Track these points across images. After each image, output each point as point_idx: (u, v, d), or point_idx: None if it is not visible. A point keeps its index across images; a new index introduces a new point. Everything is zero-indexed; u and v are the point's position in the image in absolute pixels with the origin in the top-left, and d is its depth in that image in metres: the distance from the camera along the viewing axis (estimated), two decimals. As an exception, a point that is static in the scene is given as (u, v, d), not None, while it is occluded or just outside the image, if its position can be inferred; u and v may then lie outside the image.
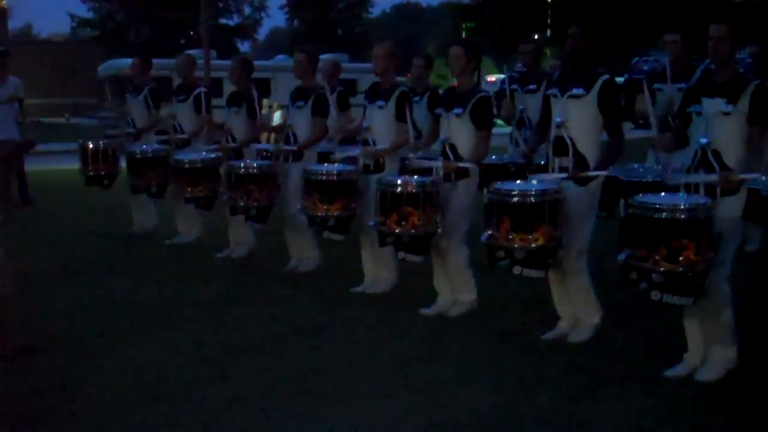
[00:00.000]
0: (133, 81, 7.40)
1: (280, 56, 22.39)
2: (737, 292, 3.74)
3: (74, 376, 3.83)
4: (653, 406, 3.39)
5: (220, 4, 37.57)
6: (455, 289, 4.78)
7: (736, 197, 3.61)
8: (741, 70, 3.83)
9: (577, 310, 4.27)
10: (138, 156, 6.67)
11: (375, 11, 46.16)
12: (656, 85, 5.01)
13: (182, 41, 33.69)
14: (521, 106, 5.62)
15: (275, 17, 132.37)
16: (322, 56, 13.11)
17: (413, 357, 4.03)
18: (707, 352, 3.71)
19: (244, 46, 40.43)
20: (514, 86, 5.64)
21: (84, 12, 36.79)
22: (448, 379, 3.76)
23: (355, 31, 41.78)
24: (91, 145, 7.09)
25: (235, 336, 4.41)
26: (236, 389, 3.65)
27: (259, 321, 4.69)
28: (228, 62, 6.98)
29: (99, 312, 4.90)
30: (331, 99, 6.03)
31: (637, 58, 6.34)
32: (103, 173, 7.10)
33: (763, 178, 3.73)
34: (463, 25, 31.12)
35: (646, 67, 5.69)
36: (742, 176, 3.54)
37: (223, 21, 38.01)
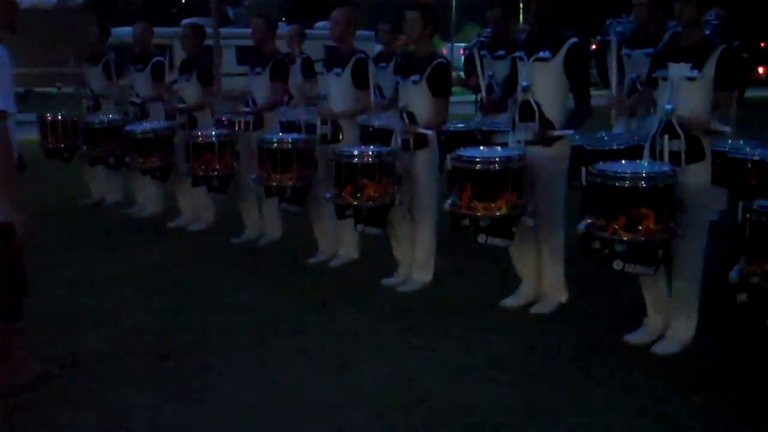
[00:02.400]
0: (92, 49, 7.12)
1: (280, 24, 21.79)
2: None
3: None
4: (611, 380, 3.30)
5: None
6: (415, 264, 4.62)
7: (701, 164, 3.47)
8: (707, 34, 3.66)
9: (545, 282, 4.15)
10: (95, 126, 6.42)
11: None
12: (624, 50, 4.85)
13: (174, 10, 33.23)
14: (490, 72, 5.42)
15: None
16: (318, 24, 12.54)
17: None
18: (668, 323, 3.62)
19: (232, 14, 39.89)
20: (483, 52, 5.43)
21: None
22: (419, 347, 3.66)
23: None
24: (49, 117, 6.83)
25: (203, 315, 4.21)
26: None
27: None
28: (224, 30, 6.72)
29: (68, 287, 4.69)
30: (296, 66, 5.83)
31: (611, 20, 6.19)
32: (62, 146, 6.84)
33: (728, 129, 3.58)
34: None
35: (619, 29, 5.49)
36: (714, 126, 3.40)
37: None
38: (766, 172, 4.25)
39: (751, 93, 14.93)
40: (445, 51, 19.20)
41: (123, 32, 13.73)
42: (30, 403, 3.15)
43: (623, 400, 3.11)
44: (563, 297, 4.13)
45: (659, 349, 3.54)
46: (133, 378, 3.40)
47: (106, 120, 6.45)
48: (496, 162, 3.82)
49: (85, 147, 6.61)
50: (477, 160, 3.84)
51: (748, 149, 4.45)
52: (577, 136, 4.86)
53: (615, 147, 4.47)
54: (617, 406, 3.07)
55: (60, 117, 6.84)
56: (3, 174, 2.82)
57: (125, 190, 7.05)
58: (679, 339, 3.57)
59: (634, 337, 3.66)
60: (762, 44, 16.90)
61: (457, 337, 3.81)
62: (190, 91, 5.96)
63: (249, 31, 5.72)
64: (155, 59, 6.41)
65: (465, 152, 3.95)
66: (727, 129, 3.49)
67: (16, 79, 3.10)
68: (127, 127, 6.06)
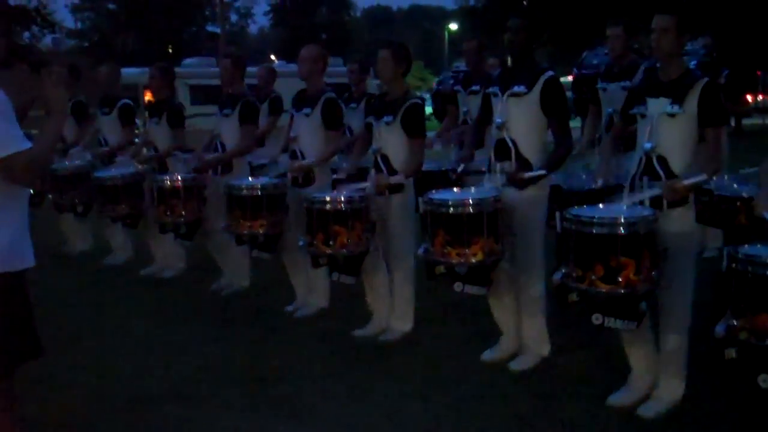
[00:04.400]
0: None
1: (279, 62, 21.88)
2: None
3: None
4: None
5: (207, 12, 38.47)
6: (392, 314, 4.39)
7: (684, 208, 3.24)
8: (690, 67, 3.48)
9: (525, 334, 3.89)
10: (59, 173, 6.20)
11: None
12: (600, 84, 4.70)
13: (169, 50, 33.59)
14: (464, 109, 5.26)
15: (261, 23, 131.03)
16: None
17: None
18: (655, 381, 3.36)
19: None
20: (457, 87, 5.27)
21: (70, 23, 36.63)
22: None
23: (337, 35, 41.50)
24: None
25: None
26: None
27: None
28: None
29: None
30: (264, 107, 5.66)
31: (586, 52, 6.06)
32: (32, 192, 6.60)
33: (712, 178, 3.36)
34: (445, 28, 30.51)
35: (595, 62, 5.34)
36: (687, 182, 3.15)
37: (210, 29, 38.58)
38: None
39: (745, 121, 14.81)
40: (434, 85, 19.26)
41: (125, 73, 14.03)
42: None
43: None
44: (545, 350, 3.88)
45: (645, 411, 3.26)
46: None
47: (72, 167, 6.22)
48: (469, 205, 3.59)
49: (50, 195, 6.38)
50: (449, 203, 3.62)
51: (735, 186, 4.25)
52: (553, 175, 4.68)
53: (594, 188, 4.25)
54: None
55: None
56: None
57: (97, 238, 6.79)
58: (667, 399, 3.30)
59: (618, 399, 3.38)
60: (759, 72, 16.81)
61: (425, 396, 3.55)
62: (160, 134, 5.76)
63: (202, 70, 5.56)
64: (122, 102, 6.23)
65: (436, 195, 3.73)
66: (701, 179, 3.17)
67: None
68: (96, 174, 5.85)
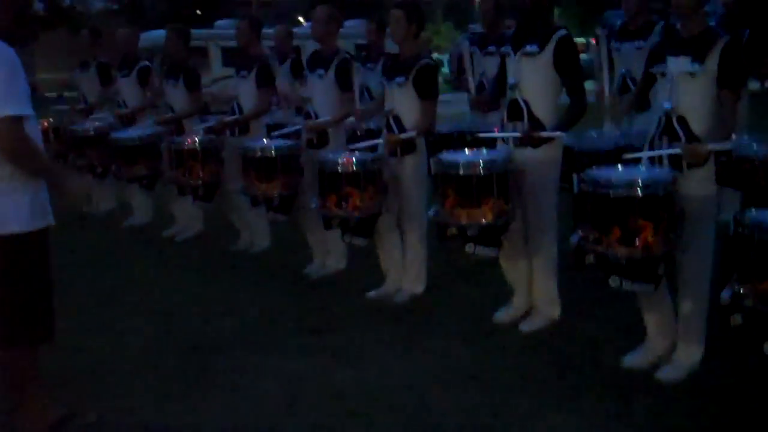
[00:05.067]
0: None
1: (308, 23, 21.58)
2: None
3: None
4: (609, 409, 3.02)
5: None
6: (405, 276, 4.38)
7: (704, 170, 3.15)
8: (711, 24, 3.35)
9: (536, 296, 3.88)
10: (79, 134, 6.25)
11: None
12: (613, 44, 4.55)
13: (198, 12, 33.36)
14: (481, 70, 5.15)
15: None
16: (347, 22, 12.15)
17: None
18: (673, 346, 3.31)
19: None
20: (473, 48, 5.16)
21: None
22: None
23: None
24: (45, 124, 6.69)
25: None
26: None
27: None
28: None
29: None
30: (284, 68, 5.60)
31: (609, 11, 5.87)
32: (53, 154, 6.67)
33: (729, 146, 3.25)
34: None
35: (618, 21, 5.17)
36: (710, 147, 3.06)
37: None
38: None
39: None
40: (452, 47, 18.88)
41: (152, 36, 14.08)
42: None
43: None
44: (556, 312, 3.85)
45: (664, 375, 3.22)
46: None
47: (91, 128, 6.25)
48: (479, 166, 3.54)
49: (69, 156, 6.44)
50: (459, 164, 3.58)
51: (755, 146, 4.12)
52: (564, 136, 4.58)
53: (607, 148, 4.16)
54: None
55: (47, 124, 6.68)
56: (36, 173, 2.72)
57: (120, 198, 6.86)
58: (685, 364, 3.25)
59: (634, 360, 3.35)
60: None
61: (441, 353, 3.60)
62: (177, 96, 5.74)
63: (234, 32, 5.50)
64: (141, 64, 6.21)
65: (447, 156, 3.68)
66: (726, 146, 3.12)
67: (48, 85, 2.93)
68: (113, 135, 5.87)
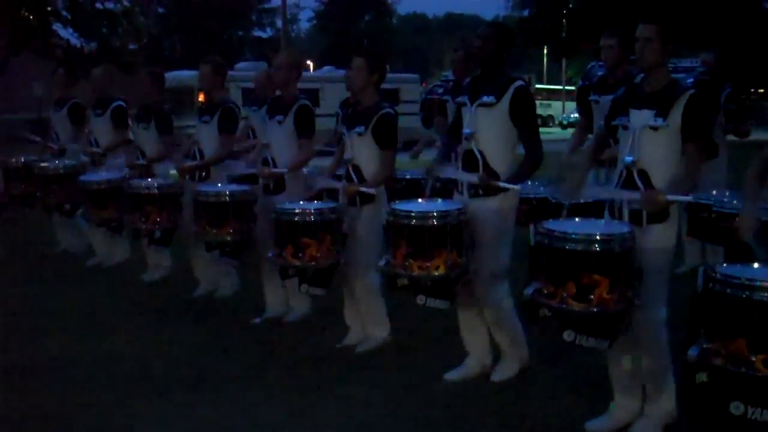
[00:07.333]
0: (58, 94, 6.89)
1: (327, 67, 21.82)
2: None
3: None
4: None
5: (254, 18, 39.60)
6: (365, 323, 4.23)
7: (664, 226, 3.01)
8: (675, 78, 3.24)
9: (500, 344, 3.73)
10: (49, 172, 6.12)
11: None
12: (592, 96, 4.45)
13: (215, 54, 34.30)
14: (452, 118, 5.02)
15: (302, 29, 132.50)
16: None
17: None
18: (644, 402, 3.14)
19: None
20: (446, 97, 5.06)
21: None
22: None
23: (379, 42, 41.42)
24: (13, 162, 6.61)
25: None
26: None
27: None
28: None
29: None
30: (262, 113, 5.49)
31: (593, 63, 5.86)
32: (23, 192, 6.55)
33: (690, 198, 3.13)
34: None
35: (600, 73, 5.10)
36: (669, 197, 2.93)
37: (256, 34, 40.19)
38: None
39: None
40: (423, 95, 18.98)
41: (182, 75, 13.90)
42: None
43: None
44: (524, 356, 3.73)
45: (636, 430, 3.07)
46: None
47: (60, 166, 6.14)
48: (432, 217, 3.39)
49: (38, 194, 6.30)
50: (412, 214, 3.43)
51: (735, 202, 3.97)
52: (542, 188, 4.44)
53: (582, 201, 4.01)
54: None
55: (20, 162, 6.60)
56: None
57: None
58: (656, 416, 3.10)
59: (595, 425, 3.15)
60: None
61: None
62: (148, 140, 5.62)
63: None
64: (115, 104, 6.12)
65: (400, 206, 3.54)
66: (688, 198, 3.03)
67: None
68: (82, 177, 5.75)
